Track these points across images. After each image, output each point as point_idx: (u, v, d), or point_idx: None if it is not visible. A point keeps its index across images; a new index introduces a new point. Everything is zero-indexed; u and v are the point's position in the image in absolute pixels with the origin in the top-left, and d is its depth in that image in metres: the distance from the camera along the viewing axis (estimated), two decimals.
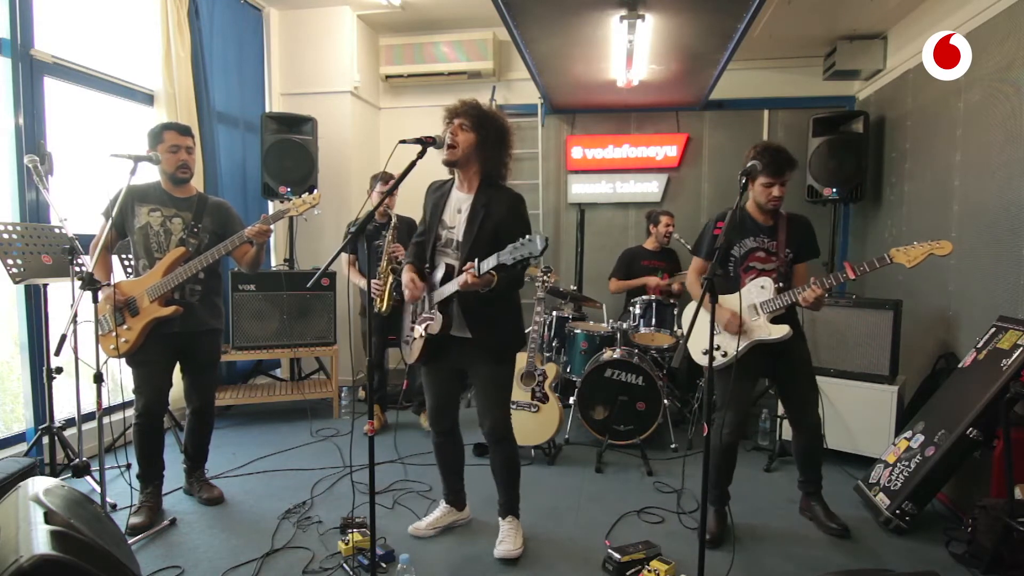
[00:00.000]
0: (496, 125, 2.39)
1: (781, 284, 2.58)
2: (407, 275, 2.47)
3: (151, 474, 2.80)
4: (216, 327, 2.91)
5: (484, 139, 2.37)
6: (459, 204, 2.44)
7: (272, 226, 2.73)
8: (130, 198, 2.72)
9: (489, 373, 2.44)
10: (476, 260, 2.19)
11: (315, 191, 2.79)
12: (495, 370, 2.44)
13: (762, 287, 2.61)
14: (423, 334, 2.42)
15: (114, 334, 2.65)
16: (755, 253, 2.64)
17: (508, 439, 2.51)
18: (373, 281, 3.63)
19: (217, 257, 2.70)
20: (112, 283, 2.69)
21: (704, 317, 2.71)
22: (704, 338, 2.71)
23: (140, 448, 2.77)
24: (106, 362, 2.55)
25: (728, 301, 2.59)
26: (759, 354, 2.61)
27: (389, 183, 3.78)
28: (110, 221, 2.58)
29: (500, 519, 2.58)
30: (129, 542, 2.24)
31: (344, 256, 3.85)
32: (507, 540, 2.49)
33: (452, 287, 2.30)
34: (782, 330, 2.56)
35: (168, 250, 2.71)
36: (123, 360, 2.73)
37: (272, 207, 5.10)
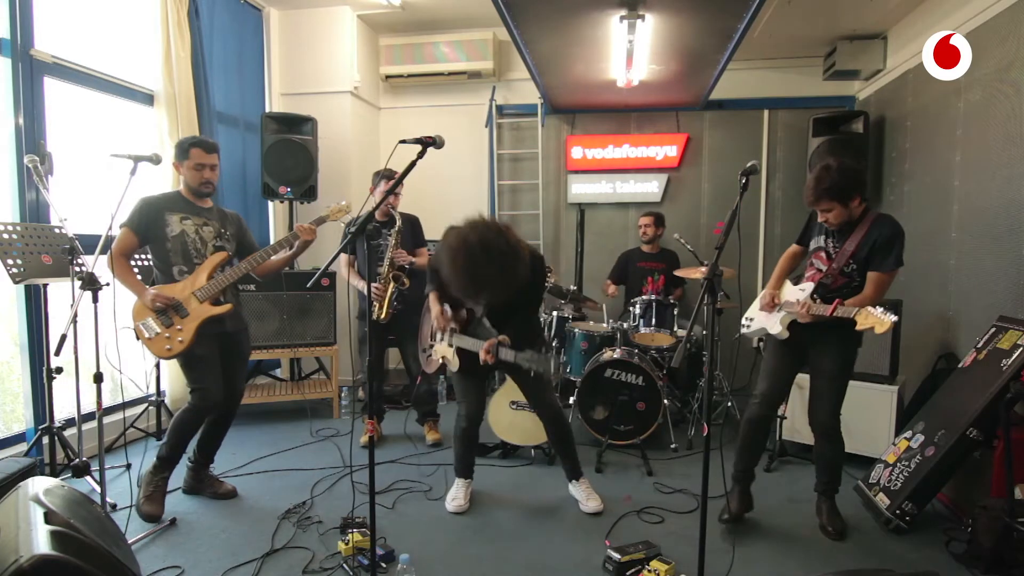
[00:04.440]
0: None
1: (815, 295, 2.58)
2: (436, 306, 2.86)
3: (174, 459, 2.85)
4: (248, 326, 3.05)
5: None
6: None
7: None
8: (157, 209, 2.76)
9: (530, 381, 2.84)
10: (499, 345, 2.64)
11: (344, 201, 2.98)
12: (535, 378, 2.81)
13: (802, 289, 2.66)
14: (445, 359, 2.86)
15: (166, 335, 2.68)
16: (818, 252, 2.68)
17: (563, 415, 2.94)
18: (374, 285, 3.51)
19: (266, 259, 2.83)
20: (152, 287, 2.74)
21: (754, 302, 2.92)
22: (750, 309, 2.95)
23: (182, 434, 2.81)
24: (157, 363, 2.64)
25: (785, 289, 2.78)
26: (787, 341, 2.67)
27: (391, 181, 3.59)
28: (106, 229, 2.54)
29: (573, 482, 2.98)
30: (131, 540, 2.24)
31: (343, 257, 3.72)
32: (592, 497, 2.91)
33: (471, 346, 2.75)
34: (776, 328, 2.66)
35: (206, 255, 2.79)
36: (173, 359, 2.81)
37: (272, 207, 5.11)
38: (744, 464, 2.77)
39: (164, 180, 3.77)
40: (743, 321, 2.91)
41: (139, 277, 2.82)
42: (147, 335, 2.67)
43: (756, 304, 2.84)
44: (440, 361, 2.94)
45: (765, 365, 2.80)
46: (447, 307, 2.87)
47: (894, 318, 2.27)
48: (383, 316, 3.47)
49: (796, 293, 2.68)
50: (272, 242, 5.07)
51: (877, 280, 2.50)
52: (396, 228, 3.58)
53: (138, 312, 2.68)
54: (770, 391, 2.71)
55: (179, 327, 2.70)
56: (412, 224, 3.77)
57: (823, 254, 2.66)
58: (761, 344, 3.07)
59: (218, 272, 2.77)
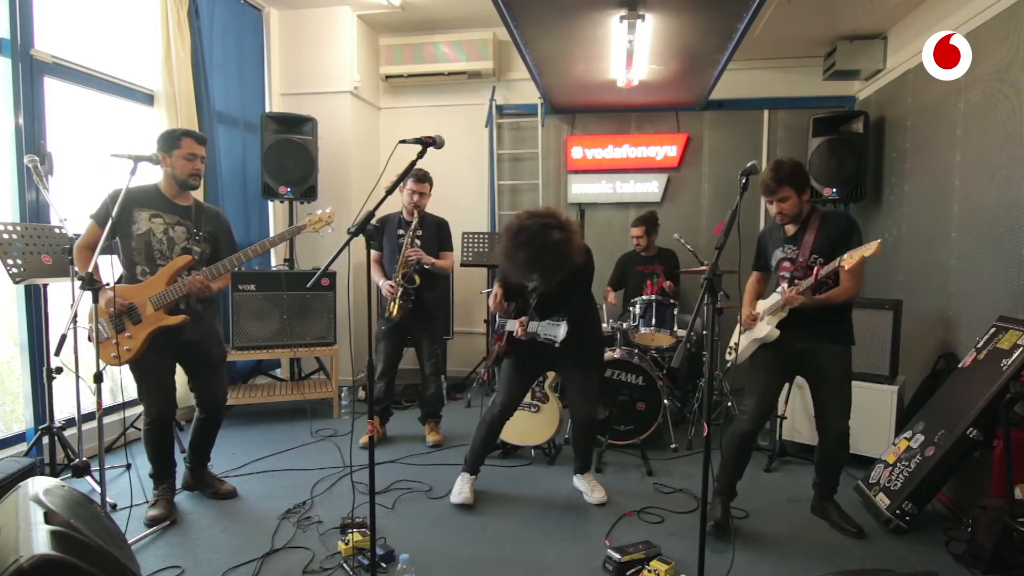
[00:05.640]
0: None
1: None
2: (496, 288, 2.96)
3: (165, 471, 2.84)
4: (218, 327, 2.96)
5: None
6: None
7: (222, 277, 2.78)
8: (127, 203, 2.64)
9: (580, 378, 2.98)
10: (528, 320, 2.80)
11: (328, 209, 2.86)
12: (585, 376, 2.98)
13: (777, 292, 2.71)
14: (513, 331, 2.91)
15: (115, 341, 2.59)
16: (783, 263, 2.72)
17: (594, 423, 3.10)
18: (389, 282, 3.54)
19: (230, 268, 2.74)
20: (109, 286, 2.65)
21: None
22: (731, 340, 2.95)
23: (154, 451, 2.79)
24: (106, 367, 2.55)
25: (758, 304, 2.82)
26: (777, 353, 2.68)
27: (419, 181, 3.60)
28: (108, 226, 2.45)
29: (578, 475, 3.11)
30: (131, 540, 2.24)
31: (372, 254, 3.71)
32: (597, 489, 3.03)
33: (511, 325, 2.90)
34: (764, 330, 2.68)
35: (171, 257, 2.70)
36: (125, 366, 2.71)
37: (273, 207, 5.11)
38: (728, 479, 2.74)
39: None
40: (728, 354, 2.94)
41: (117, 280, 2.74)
42: (99, 338, 2.55)
43: (736, 333, 2.86)
44: (496, 350, 3.03)
45: (753, 380, 2.77)
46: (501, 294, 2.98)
47: (876, 241, 2.35)
48: (395, 315, 3.48)
49: (773, 298, 2.72)
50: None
51: (850, 269, 2.53)
52: (412, 228, 3.57)
53: (93, 313, 2.54)
54: (759, 407, 2.69)
55: (128, 334, 2.60)
56: (438, 227, 3.76)
57: (786, 263, 2.70)
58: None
59: (180, 277, 2.66)
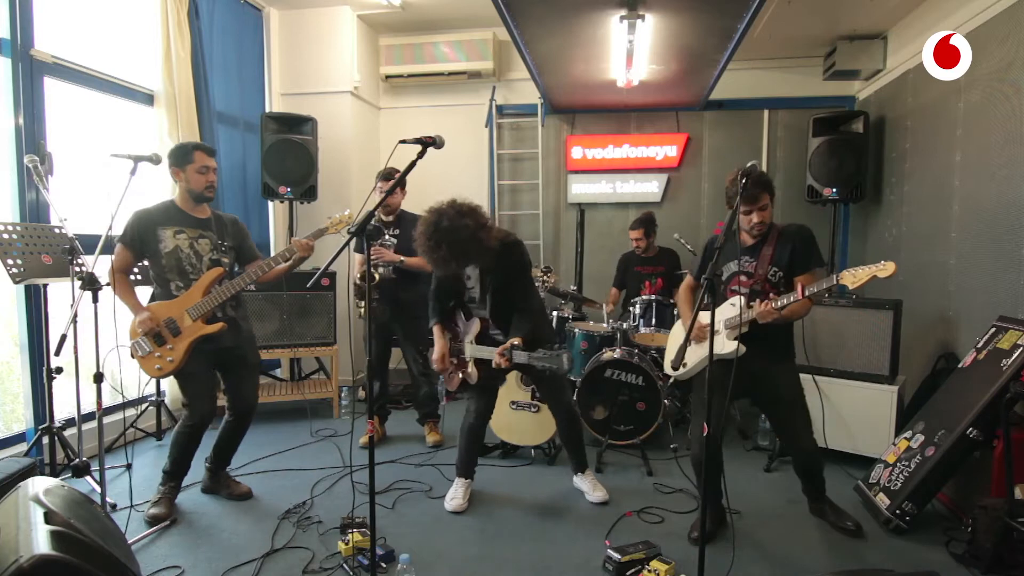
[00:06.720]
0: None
1: (754, 303, 2.47)
2: (439, 344, 2.90)
3: (180, 471, 2.87)
4: (252, 330, 3.02)
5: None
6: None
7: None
8: (149, 224, 2.72)
9: (549, 382, 2.97)
10: (512, 348, 2.66)
11: (348, 211, 2.93)
12: (553, 379, 2.93)
13: (732, 304, 2.55)
14: (465, 374, 2.91)
15: (157, 355, 2.68)
16: (737, 276, 2.58)
17: (577, 415, 3.11)
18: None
19: (261, 274, 2.78)
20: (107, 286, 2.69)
21: (680, 329, 2.80)
22: (670, 354, 2.88)
23: (183, 449, 2.83)
24: (149, 381, 2.60)
25: (703, 316, 2.51)
26: (730, 371, 2.34)
27: (389, 181, 3.60)
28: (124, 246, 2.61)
29: (579, 475, 3.08)
30: (131, 540, 2.24)
31: (357, 257, 3.76)
32: (598, 488, 3.01)
33: (487, 355, 2.79)
34: (730, 346, 2.49)
35: (202, 270, 2.76)
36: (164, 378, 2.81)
37: (272, 207, 5.11)
38: (706, 488, 2.55)
39: (164, 180, 3.76)
40: (672, 366, 2.45)
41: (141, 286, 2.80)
42: (139, 354, 2.68)
43: (675, 345, 2.69)
44: (460, 378, 2.95)
45: (699, 400, 2.64)
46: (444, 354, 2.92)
47: (892, 263, 2.21)
48: (361, 314, 3.47)
49: (729, 310, 2.55)
50: (272, 246, 5.12)
51: (806, 282, 2.42)
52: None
53: (133, 330, 2.67)
54: (701, 432, 2.51)
55: (170, 346, 2.68)
56: (415, 223, 3.74)
57: (742, 276, 2.56)
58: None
59: (214, 287, 2.73)
